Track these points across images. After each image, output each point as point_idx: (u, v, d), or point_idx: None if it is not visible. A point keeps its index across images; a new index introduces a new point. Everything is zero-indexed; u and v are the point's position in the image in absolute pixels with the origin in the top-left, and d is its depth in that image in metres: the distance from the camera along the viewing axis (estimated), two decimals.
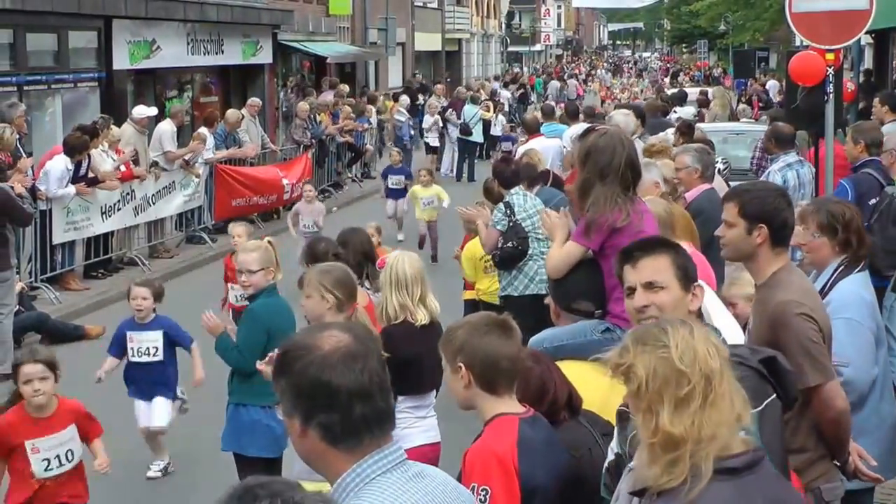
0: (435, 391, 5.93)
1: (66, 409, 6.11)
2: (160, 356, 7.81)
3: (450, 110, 26.48)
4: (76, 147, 13.38)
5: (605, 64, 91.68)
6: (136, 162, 15.29)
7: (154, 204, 15.63)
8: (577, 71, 71.98)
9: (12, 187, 11.34)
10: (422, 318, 5.78)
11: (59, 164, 13.21)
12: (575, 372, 4.11)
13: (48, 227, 13.07)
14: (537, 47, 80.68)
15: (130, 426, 7.98)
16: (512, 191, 8.93)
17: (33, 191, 12.75)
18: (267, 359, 5.79)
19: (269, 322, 6.32)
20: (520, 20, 78.80)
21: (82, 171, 13.61)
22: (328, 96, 24.98)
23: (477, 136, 26.10)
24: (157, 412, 7.84)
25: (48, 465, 5.96)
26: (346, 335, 2.59)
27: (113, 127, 15.07)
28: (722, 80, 47.98)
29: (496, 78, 45.31)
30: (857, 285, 5.11)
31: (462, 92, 28.55)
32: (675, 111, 19.93)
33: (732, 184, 8.03)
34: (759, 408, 3.31)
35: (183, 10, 20.89)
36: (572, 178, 6.44)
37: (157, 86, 21.58)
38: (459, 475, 3.54)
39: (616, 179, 4.79)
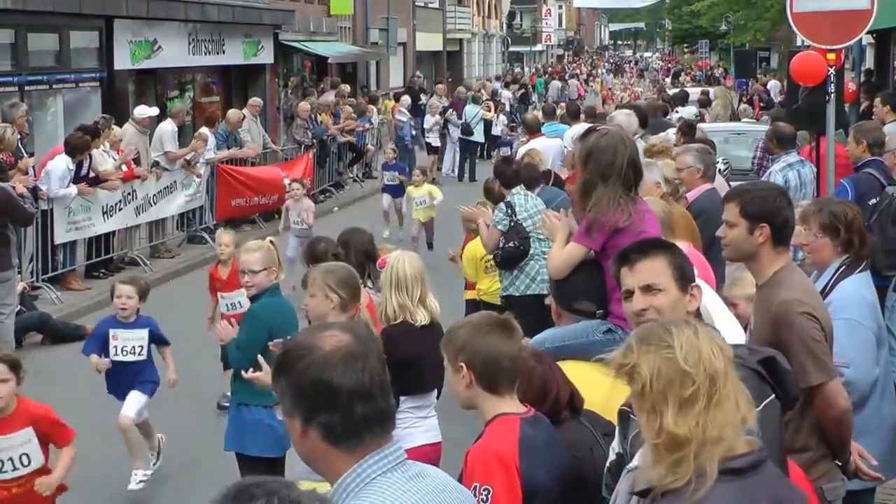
0: (437, 391, 5.93)
1: (25, 412, 5.89)
2: (144, 355, 7.70)
3: (451, 110, 26.47)
4: (77, 147, 13.37)
5: (606, 64, 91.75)
6: (137, 162, 15.28)
7: (155, 204, 15.64)
8: (578, 71, 71.97)
9: (14, 187, 11.35)
10: (421, 318, 5.77)
11: (61, 164, 13.21)
12: (576, 372, 4.11)
13: (50, 227, 13.07)
14: (538, 47, 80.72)
15: None
16: (513, 190, 8.93)
17: (35, 191, 12.75)
18: (252, 369, 5.79)
19: (271, 322, 6.29)
20: (521, 20, 78.87)
21: (84, 171, 13.61)
22: (329, 96, 24.98)
23: (478, 136, 26.11)
24: (128, 403, 7.63)
25: (1, 468, 5.82)
26: (346, 335, 2.59)
27: (114, 127, 15.08)
28: (723, 80, 47.92)
29: (497, 78, 45.29)
30: (859, 285, 5.11)
31: (463, 92, 28.53)
32: (676, 111, 19.94)
33: (733, 184, 8.03)
34: (758, 409, 3.30)
35: (184, 10, 20.88)
36: (573, 179, 6.44)
37: (159, 86, 21.58)
38: (461, 475, 3.54)
39: (618, 180, 4.78)
